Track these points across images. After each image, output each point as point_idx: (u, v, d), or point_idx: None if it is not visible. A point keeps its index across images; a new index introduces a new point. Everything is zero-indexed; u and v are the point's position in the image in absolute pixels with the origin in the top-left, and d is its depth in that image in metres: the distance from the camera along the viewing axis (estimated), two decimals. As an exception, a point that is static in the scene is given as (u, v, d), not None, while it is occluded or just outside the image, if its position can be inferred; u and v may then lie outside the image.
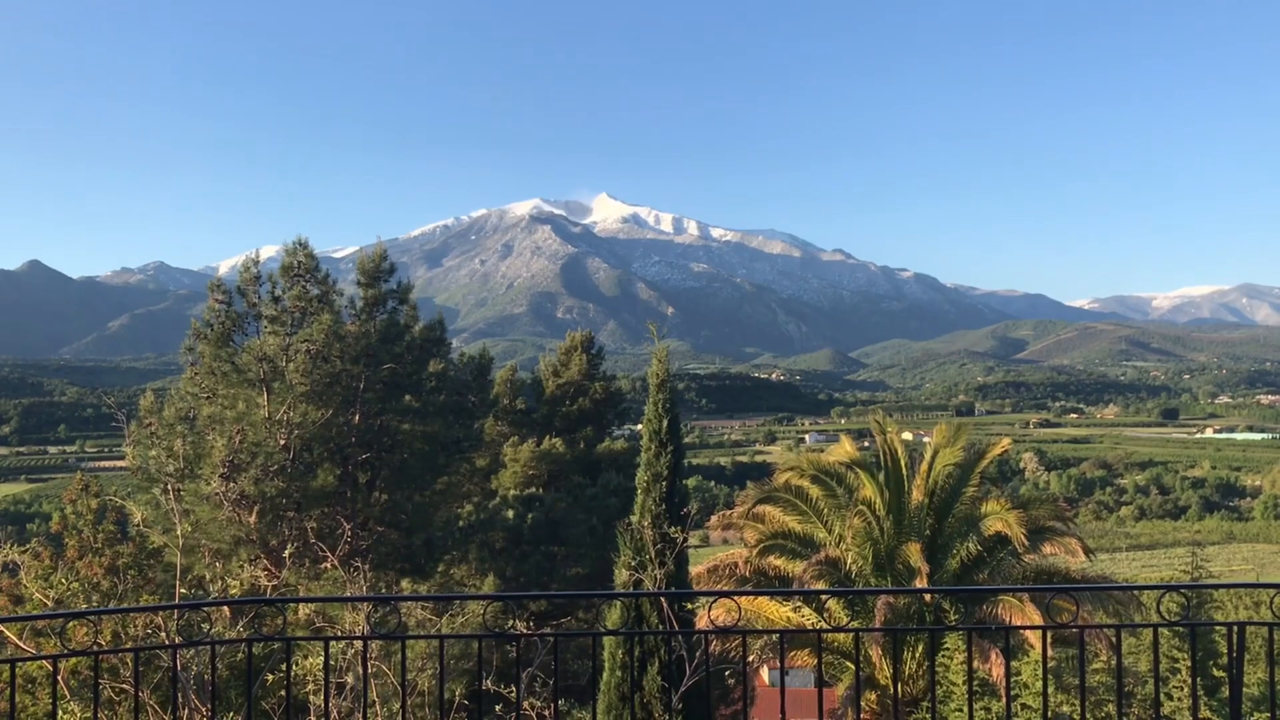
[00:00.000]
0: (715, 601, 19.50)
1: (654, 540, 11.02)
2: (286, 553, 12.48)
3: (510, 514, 25.76)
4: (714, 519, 20.83)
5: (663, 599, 9.61)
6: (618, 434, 34.34)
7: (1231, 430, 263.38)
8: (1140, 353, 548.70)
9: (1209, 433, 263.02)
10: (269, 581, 11.52)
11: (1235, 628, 5.11)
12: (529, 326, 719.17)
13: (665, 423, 12.27)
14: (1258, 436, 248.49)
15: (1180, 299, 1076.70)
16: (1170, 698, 12.91)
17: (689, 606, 10.28)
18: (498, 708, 9.05)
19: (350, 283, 22.36)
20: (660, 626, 10.20)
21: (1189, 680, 12.92)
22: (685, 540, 10.97)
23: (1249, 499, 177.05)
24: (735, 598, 10.02)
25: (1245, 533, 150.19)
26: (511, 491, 27.92)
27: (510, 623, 10.56)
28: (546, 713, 8.53)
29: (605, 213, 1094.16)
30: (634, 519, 11.64)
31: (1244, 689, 11.70)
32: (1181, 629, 15.12)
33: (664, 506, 11.53)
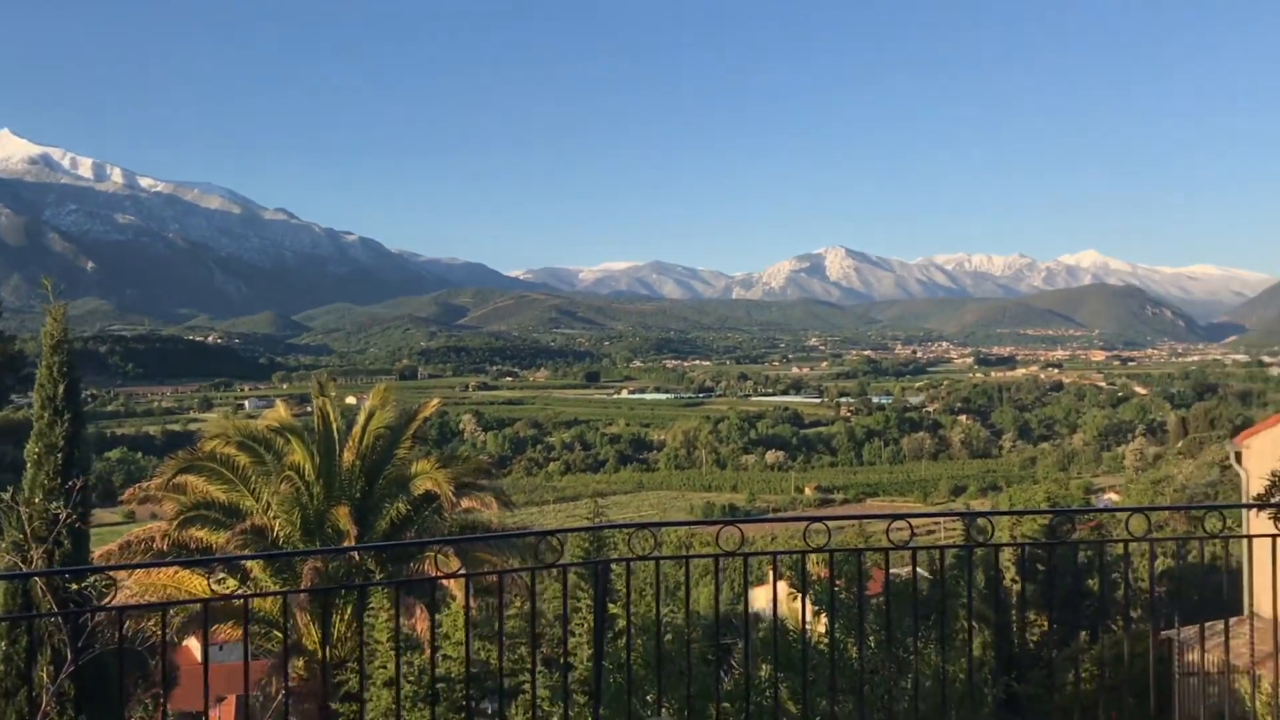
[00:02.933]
0: (130, 577, 18.14)
1: (47, 517, 10.00)
2: None
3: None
4: (129, 492, 19.33)
5: (37, 579, 8.75)
6: (22, 402, 30.74)
7: (643, 391, 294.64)
8: (568, 321, 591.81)
9: (624, 394, 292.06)
10: None
11: (600, 566, 5.74)
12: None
13: (61, 388, 11.14)
14: (663, 396, 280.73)
15: (603, 272, 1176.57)
16: (573, 635, 14.19)
17: (74, 586, 9.45)
18: None
19: None
20: (54, 610, 9.29)
21: (589, 617, 14.32)
22: (79, 515, 10.06)
23: (655, 452, 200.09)
24: (134, 570, 9.36)
25: (653, 481, 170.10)
26: (-125, 471, 23.85)
27: None
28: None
29: (8, 151, 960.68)
30: (23, 495, 10.45)
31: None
32: (587, 570, 16.66)
33: (59, 480, 10.48)
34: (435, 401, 21.06)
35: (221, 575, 17.20)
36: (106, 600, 4.90)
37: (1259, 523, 5.79)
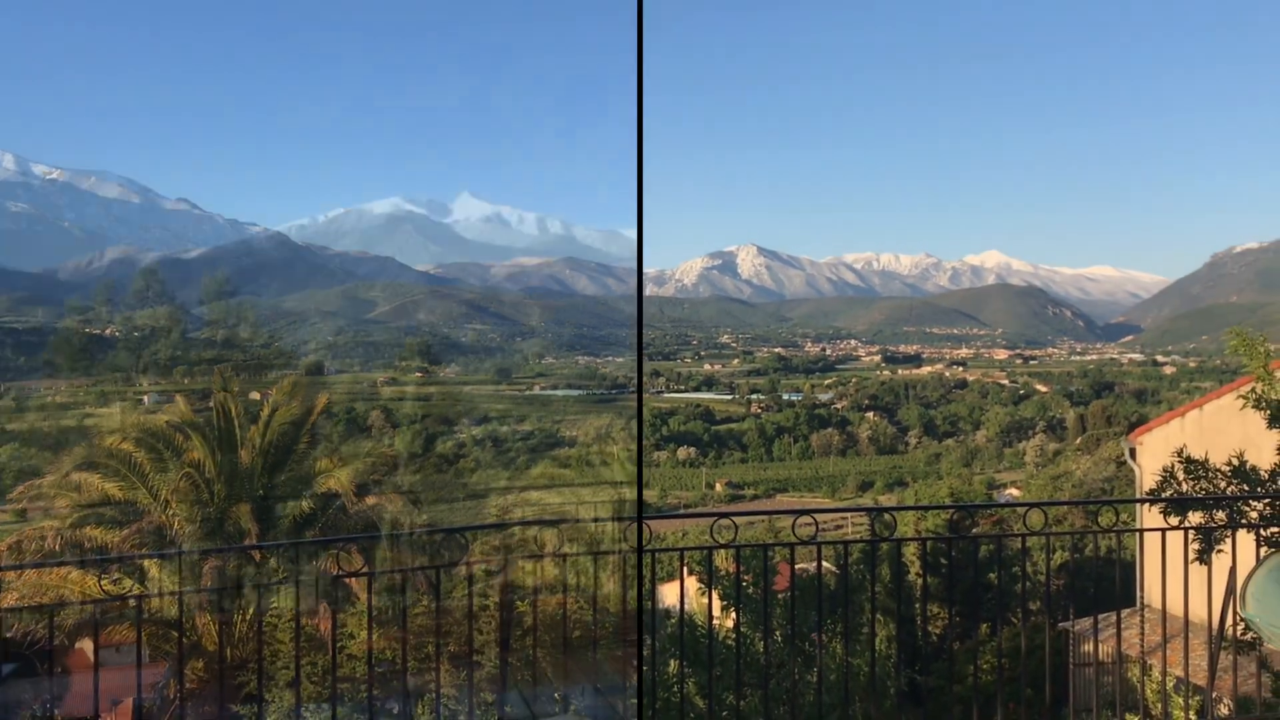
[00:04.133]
0: (20, 578, 17.51)
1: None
2: None
3: None
4: (19, 490, 18.69)
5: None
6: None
7: (555, 387, 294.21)
8: (480, 316, 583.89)
9: (537, 389, 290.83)
10: None
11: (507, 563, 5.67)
12: None
13: (-55, 381, 10.66)
14: (575, 393, 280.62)
15: (515, 268, 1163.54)
16: (480, 631, 14.06)
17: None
18: None
19: None
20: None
21: (496, 615, 14.19)
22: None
23: (568, 448, 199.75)
24: (23, 571, 9.04)
25: (564, 478, 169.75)
26: None
27: None
28: None
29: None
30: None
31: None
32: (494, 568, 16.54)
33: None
34: (323, 397, 20.68)
35: (117, 575, 16.71)
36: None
37: (1151, 517, 5.97)
